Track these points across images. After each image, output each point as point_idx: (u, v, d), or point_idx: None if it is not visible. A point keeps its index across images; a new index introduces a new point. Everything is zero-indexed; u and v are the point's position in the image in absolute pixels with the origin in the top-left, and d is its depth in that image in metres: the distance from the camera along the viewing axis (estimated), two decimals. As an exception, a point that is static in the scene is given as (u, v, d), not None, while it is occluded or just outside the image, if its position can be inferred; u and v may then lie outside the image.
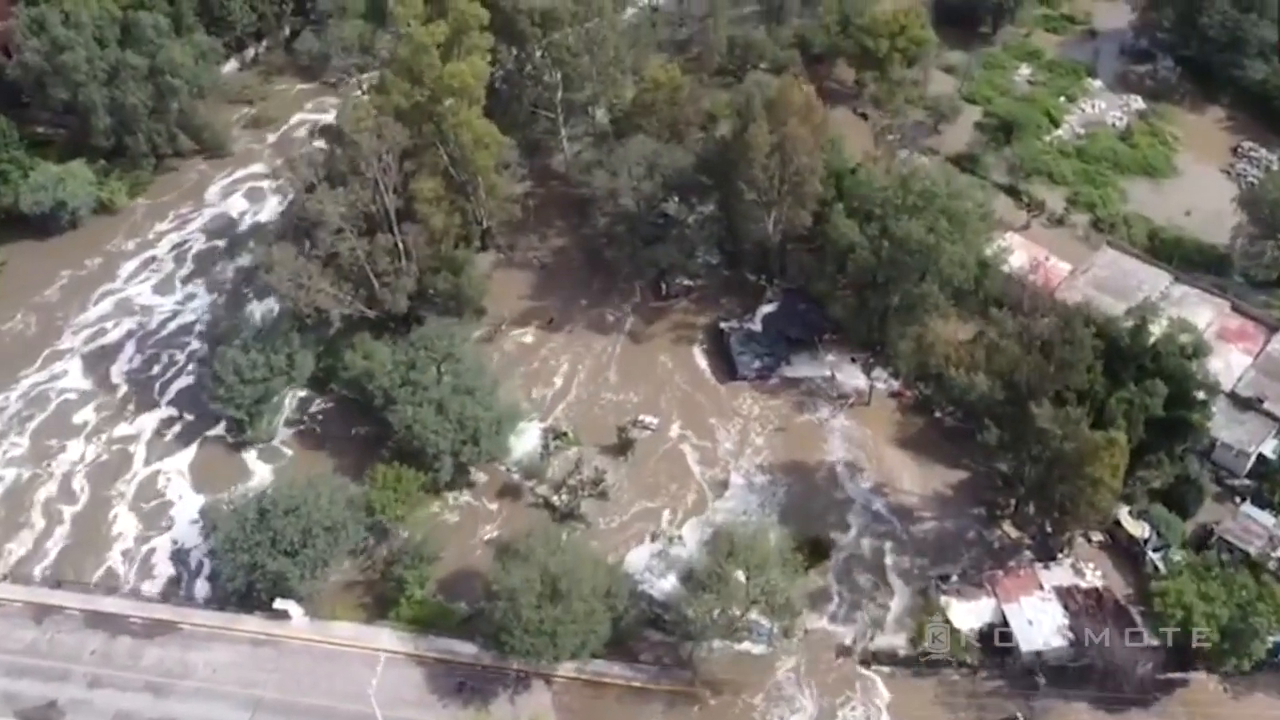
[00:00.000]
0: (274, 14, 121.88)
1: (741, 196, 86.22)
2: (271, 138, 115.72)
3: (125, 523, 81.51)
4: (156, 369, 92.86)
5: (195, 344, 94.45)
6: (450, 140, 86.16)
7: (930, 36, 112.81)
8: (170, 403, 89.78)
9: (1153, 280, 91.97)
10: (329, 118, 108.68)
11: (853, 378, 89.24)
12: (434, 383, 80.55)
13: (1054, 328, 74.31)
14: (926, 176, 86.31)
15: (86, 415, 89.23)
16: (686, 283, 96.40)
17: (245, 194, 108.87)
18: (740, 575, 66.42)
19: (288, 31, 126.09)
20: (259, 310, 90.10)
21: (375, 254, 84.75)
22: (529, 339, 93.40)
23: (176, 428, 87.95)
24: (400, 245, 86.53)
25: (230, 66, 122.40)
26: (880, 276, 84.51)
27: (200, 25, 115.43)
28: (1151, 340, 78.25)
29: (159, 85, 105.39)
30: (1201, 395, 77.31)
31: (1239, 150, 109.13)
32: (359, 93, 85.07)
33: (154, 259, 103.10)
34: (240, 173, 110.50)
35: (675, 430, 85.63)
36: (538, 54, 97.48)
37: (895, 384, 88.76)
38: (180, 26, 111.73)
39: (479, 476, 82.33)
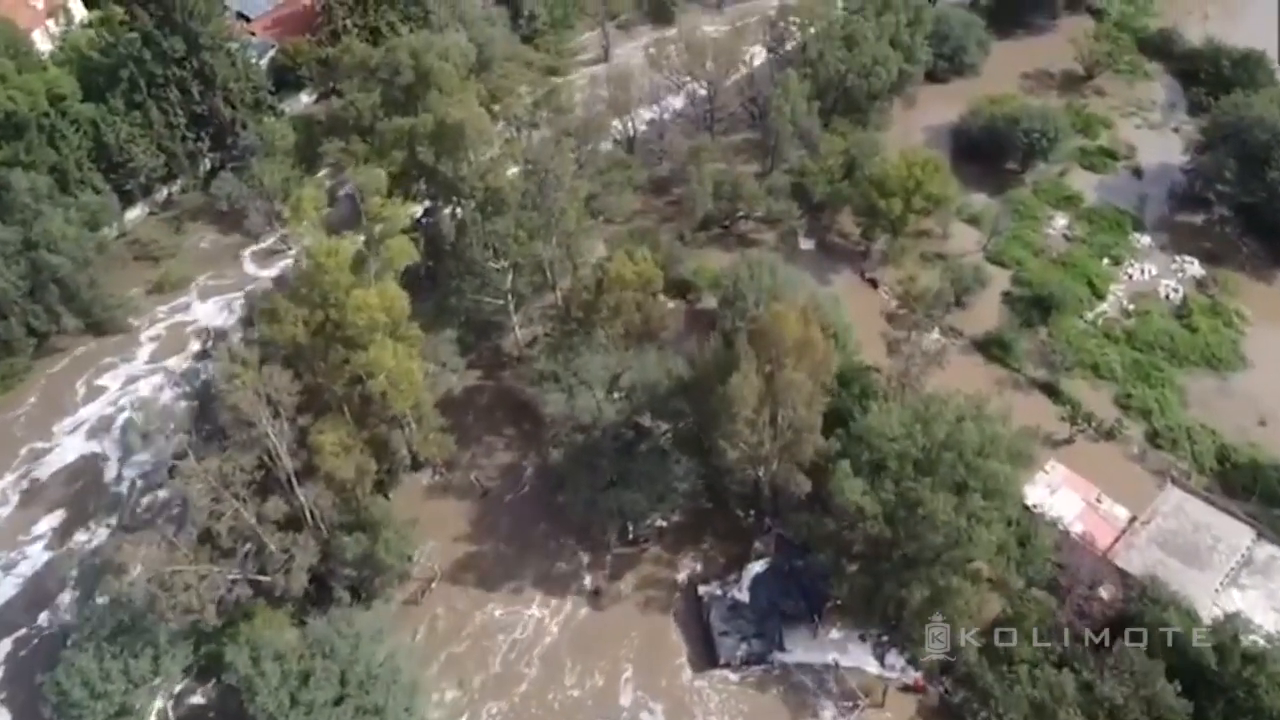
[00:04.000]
0: (186, 153, 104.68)
1: (723, 454, 69.04)
2: (186, 298, 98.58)
3: None
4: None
5: (41, 620, 75.86)
6: (362, 381, 69.13)
7: (952, 193, 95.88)
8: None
9: (1231, 537, 74.65)
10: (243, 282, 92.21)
11: (862, 660, 72.19)
12: (332, 703, 63.52)
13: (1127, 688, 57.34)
14: (953, 415, 69.51)
15: None
16: (660, 523, 79.22)
17: (123, 406, 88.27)
18: None
19: (208, 166, 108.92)
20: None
21: (265, 527, 67.60)
22: (462, 603, 76.13)
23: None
24: (301, 508, 69.58)
25: (135, 213, 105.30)
26: (897, 555, 67.38)
27: (97, 174, 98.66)
28: (1242, 663, 61.44)
29: (35, 261, 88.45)
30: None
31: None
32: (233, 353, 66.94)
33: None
34: (126, 369, 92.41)
35: (640, 747, 68.64)
36: (476, 246, 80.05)
37: (913, 672, 71.64)
38: (68, 181, 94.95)
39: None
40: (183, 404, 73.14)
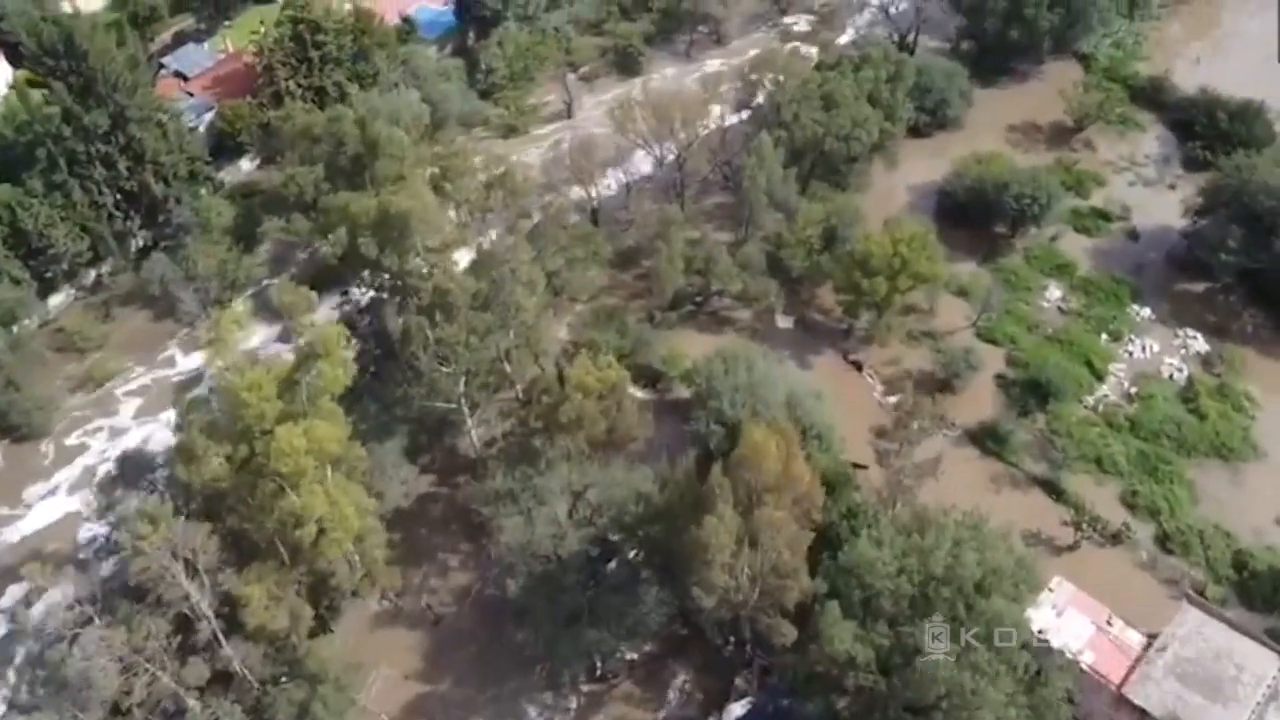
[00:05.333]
0: (114, 234, 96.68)
1: (699, 602, 61.94)
2: (114, 395, 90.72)
3: None
4: None
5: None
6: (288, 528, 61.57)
7: (940, 271, 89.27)
8: None
9: (1255, 665, 67.92)
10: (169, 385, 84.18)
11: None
12: None
13: None
14: (951, 542, 63.02)
15: None
16: (630, 656, 72.05)
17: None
18: None
19: (140, 244, 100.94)
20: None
21: (187, 693, 60.01)
22: (413, 760, 68.85)
23: None
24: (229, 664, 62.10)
25: (60, 299, 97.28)
26: (893, 705, 60.62)
27: (14, 261, 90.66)
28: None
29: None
30: None
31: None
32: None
33: None
34: (37, 488, 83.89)
35: None
36: (422, 355, 72.66)
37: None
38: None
39: None
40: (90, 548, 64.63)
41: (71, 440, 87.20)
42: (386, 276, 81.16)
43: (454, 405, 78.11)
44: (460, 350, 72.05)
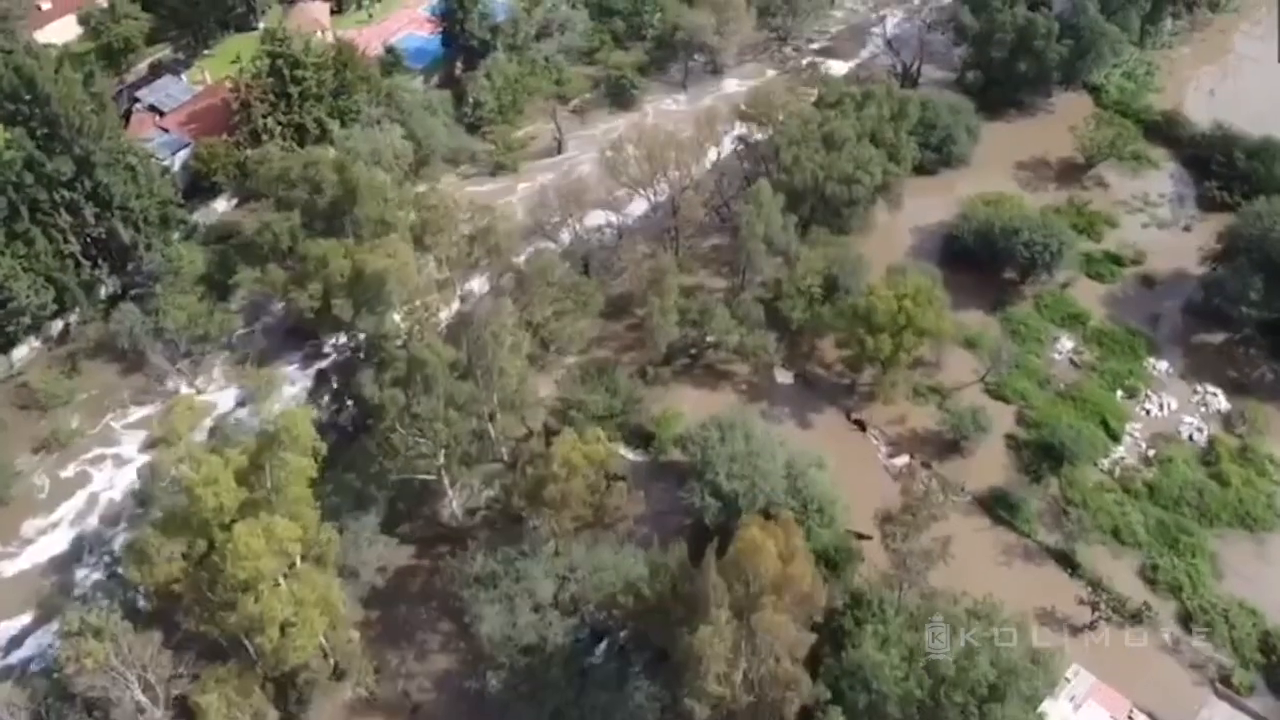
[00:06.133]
0: (81, 283, 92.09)
1: (691, 715, 57.39)
2: (78, 460, 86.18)
3: None
4: None
5: None
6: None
7: (947, 328, 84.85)
8: None
9: (1288, 766, 64.17)
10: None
11: None
12: None
13: None
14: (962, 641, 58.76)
15: None
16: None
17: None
18: None
19: (109, 291, 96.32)
20: None
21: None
22: None
23: None
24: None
25: (23, 352, 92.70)
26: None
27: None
28: None
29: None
30: None
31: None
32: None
33: None
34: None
35: None
36: (398, 430, 68.17)
37: None
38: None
39: None
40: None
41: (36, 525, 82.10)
42: (362, 337, 76.64)
43: (433, 477, 73.72)
44: (438, 426, 67.46)
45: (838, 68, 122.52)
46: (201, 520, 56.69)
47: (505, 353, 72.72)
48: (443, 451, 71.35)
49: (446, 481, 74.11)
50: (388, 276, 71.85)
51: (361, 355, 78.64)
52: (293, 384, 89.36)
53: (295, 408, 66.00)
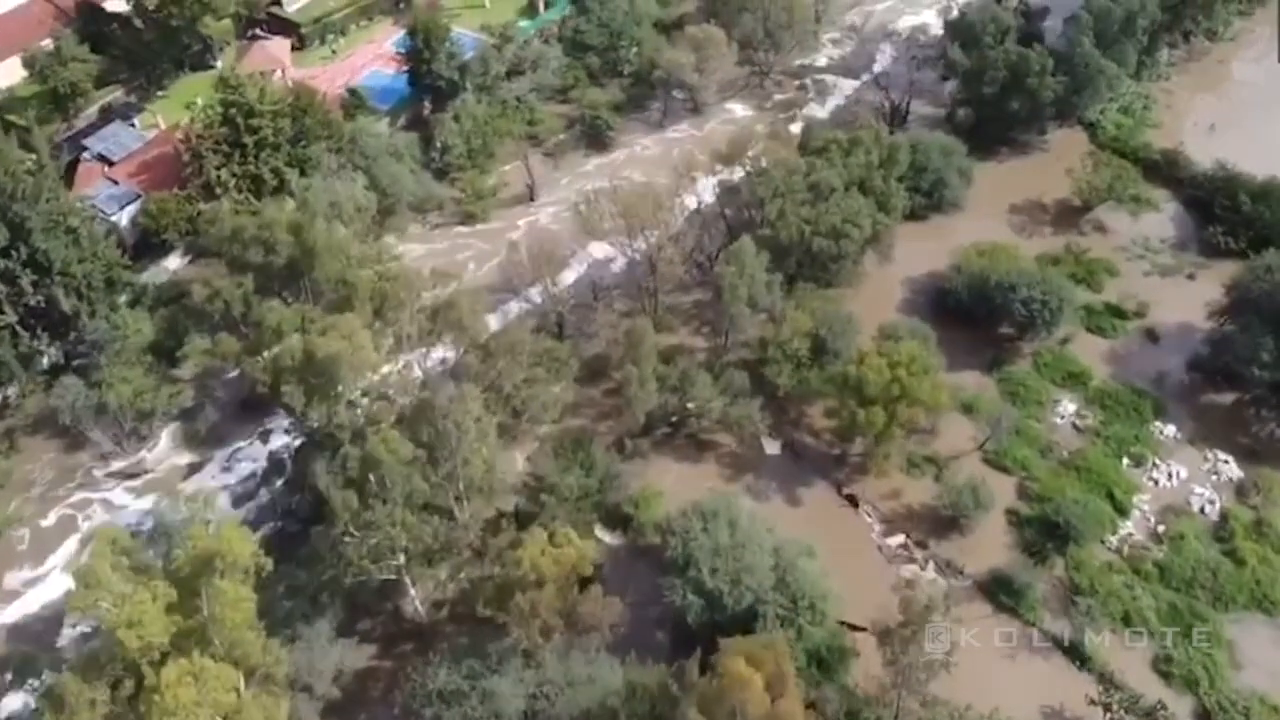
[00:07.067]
0: (18, 356, 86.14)
1: None
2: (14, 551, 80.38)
3: None
4: None
5: None
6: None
7: (943, 399, 79.68)
8: None
9: None
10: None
11: None
12: None
13: None
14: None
15: None
16: None
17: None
18: None
19: (53, 358, 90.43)
20: None
21: None
22: None
23: None
24: None
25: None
26: None
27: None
28: None
29: None
30: None
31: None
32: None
33: None
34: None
35: None
36: (350, 541, 62.64)
37: None
38: None
39: None
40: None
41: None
42: (315, 425, 71.10)
43: (393, 577, 68.24)
44: (394, 532, 61.95)
45: (824, 104, 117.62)
46: (128, 660, 51.20)
47: (471, 440, 67.17)
48: (403, 554, 65.82)
49: (408, 580, 68.55)
50: (340, 362, 66.26)
51: (316, 440, 73.01)
52: (254, 460, 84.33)
53: (232, 526, 59.71)
